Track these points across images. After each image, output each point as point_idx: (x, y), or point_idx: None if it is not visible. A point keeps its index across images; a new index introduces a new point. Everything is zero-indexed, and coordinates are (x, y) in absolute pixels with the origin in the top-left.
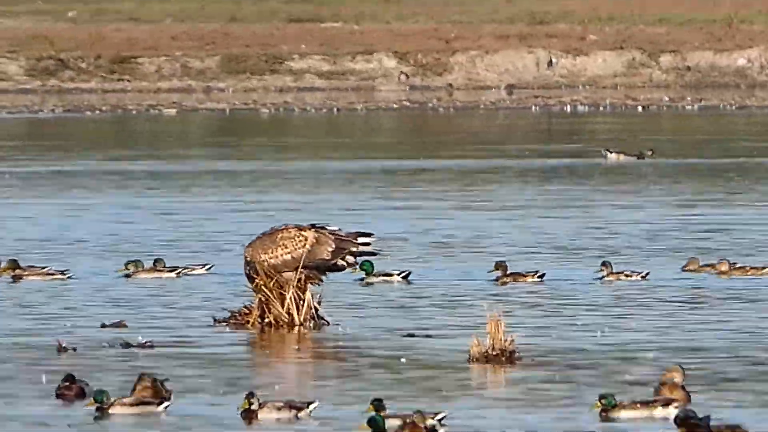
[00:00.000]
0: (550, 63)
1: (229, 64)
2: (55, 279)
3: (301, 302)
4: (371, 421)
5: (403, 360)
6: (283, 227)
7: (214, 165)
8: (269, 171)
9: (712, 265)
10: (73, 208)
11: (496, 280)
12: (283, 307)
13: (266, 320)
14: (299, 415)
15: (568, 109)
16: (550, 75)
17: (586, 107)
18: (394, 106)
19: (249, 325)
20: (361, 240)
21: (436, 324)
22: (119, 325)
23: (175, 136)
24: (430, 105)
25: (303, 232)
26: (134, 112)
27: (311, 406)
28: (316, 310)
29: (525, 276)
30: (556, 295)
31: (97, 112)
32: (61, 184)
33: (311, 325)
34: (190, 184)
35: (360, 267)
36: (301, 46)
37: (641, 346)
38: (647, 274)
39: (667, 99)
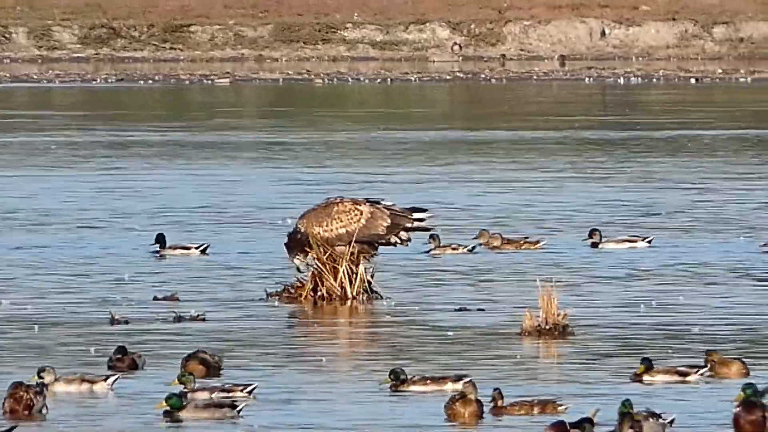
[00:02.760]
0: (603, 33)
1: (282, 32)
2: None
3: (354, 275)
4: (169, 399)
5: (450, 333)
6: (339, 200)
7: (267, 136)
8: (322, 142)
9: None
10: (122, 179)
11: (593, 246)
12: (335, 281)
13: (319, 293)
14: (94, 388)
15: (621, 81)
16: (603, 45)
17: (639, 79)
18: (447, 76)
19: (302, 299)
20: (415, 216)
21: (489, 298)
22: (172, 298)
23: (227, 107)
24: (483, 76)
25: (358, 207)
26: (187, 81)
27: (110, 380)
28: (369, 283)
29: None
30: (611, 266)
31: (150, 81)
32: (113, 153)
33: (364, 298)
34: (242, 155)
35: None
36: (354, 16)
37: (690, 321)
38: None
39: (720, 71)
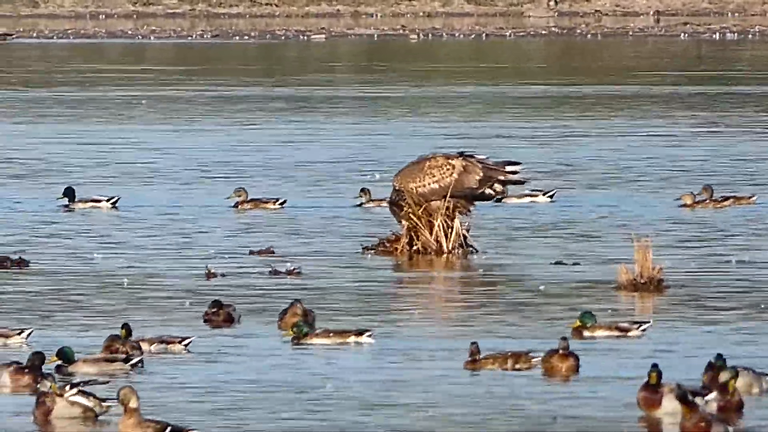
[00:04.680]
0: None
1: None
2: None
3: (450, 230)
4: (59, 353)
5: (541, 287)
6: (431, 156)
7: (362, 91)
8: (417, 97)
9: None
10: (215, 134)
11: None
12: (431, 235)
13: (414, 247)
14: (8, 342)
15: (717, 36)
16: (698, 1)
17: (735, 35)
18: (543, 32)
19: (397, 253)
20: (509, 168)
21: (585, 252)
22: (267, 251)
23: (323, 62)
24: (578, 31)
25: (451, 161)
26: (282, 37)
27: (24, 333)
28: (465, 237)
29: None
30: (705, 222)
31: (246, 37)
32: (210, 108)
33: (459, 252)
34: (336, 110)
35: None
36: None
37: None
38: None
39: None
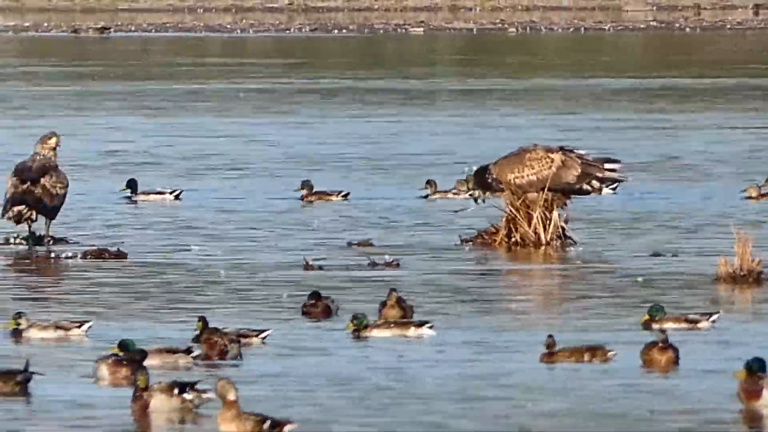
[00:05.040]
0: None
1: None
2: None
3: (548, 221)
4: (121, 344)
5: (639, 279)
6: (532, 147)
7: (461, 84)
8: (516, 90)
9: None
10: (311, 126)
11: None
12: (529, 227)
13: (513, 239)
14: (68, 334)
15: None
16: None
17: None
18: (641, 26)
19: (495, 244)
20: (607, 166)
21: (683, 244)
22: (366, 243)
23: (421, 56)
24: (677, 25)
25: (550, 154)
26: (381, 31)
27: (84, 326)
28: (563, 229)
29: None
30: None
31: (344, 30)
32: (308, 101)
33: (558, 244)
34: (435, 103)
35: None
36: None
37: None
38: None
39: None
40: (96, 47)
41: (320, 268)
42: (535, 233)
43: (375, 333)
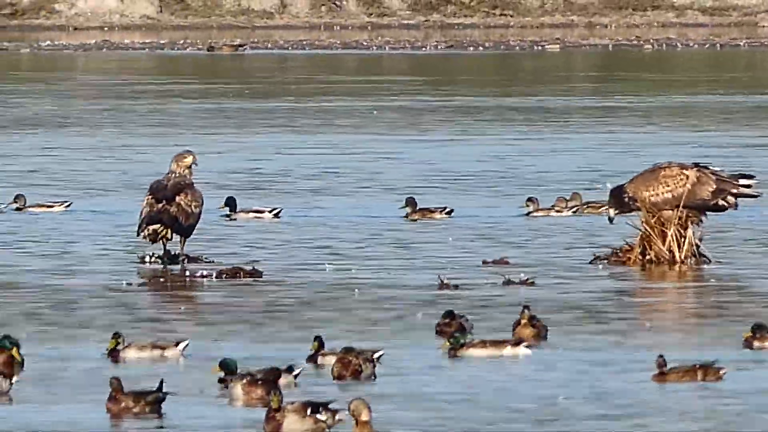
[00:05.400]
0: None
1: None
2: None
3: (683, 239)
4: (222, 364)
5: None
6: (666, 165)
7: (596, 101)
8: (651, 107)
9: None
10: (444, 144)
11: None
12: (664, 244)
13: (647, 257)
14: (165, 354)
15: None
16: None
17: None
18: None
19: (630, 262)
20: (742, 182)
21: None
22: (501, 262)
23: (557, 72)
24: None
25: (685, 171)
26: (517, 48)
27: (180, 345)
28: (698, 247)
29: None
30: None
31: (480, 48)
32: (444, 118)
33: (692, 262)
34: (571, 119)
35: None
36: None
37: None
38: None
39: None
40: (231, 65)
41: (456, 287)
42: (670, 251)
43: (471, 352)
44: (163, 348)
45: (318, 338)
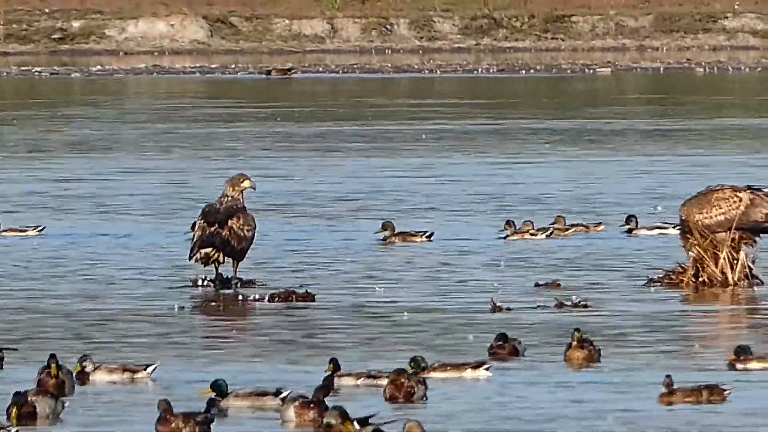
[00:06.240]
0: None
1: (663, 22)
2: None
3: (735, 261)
4: (213, 385)
5: None
6: (719, 187)
7: (649, 124)
8: (704, 130)
9: None
10: (504, 165)
11: None
12: (716, 267)
13: (700, 279)
14: (134, 377)
15: None
16: None
17: None
18: None
19: (683, 285)
20: None
21: None
22: (553, 284)
23: (609, 95)
24: None
25: (738, 194)
26: (568, 71)
27: (149, 369)
28: (750, 269)
29: None
30: None
31: (531, 71)
32: (496, 141)
33: (745, 284)
34: (624, 142)
35: None
36: (735, 5)
37: None
38: None
39: None
40: (282, 88)
41: (508, 309)
42: (722, 273)
43: (433, 375)
44: (133, 371)
45: (333, 360)
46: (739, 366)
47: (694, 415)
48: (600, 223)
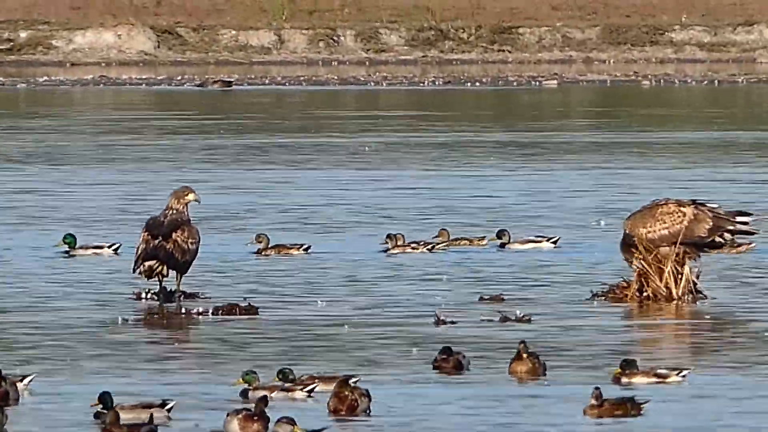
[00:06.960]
0: None
1: (610, 34)
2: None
3: (680, 276)
4: (100, 398)
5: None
6: (664, 201)
7: (594, 136)
8: (649, 143)
9: None
10: (448, 175)
11: None
12: (661, 281)
13: (644, 294)
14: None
15: None
16: None
17: None
18: None
19: (627, 299)
20: (739, 219)
21: None
22: (496, 298)
23: (555, 108)
24: None
25: (682, 208)
26: (515, 83)
27: (26, 380)
28: (695, 284)
29: None
30: None
31: (477, 83)
32: (440, 154)
33: (689, 299)
34: (568, 156)
35: None
36: (682, 18)
37: None
38: None
39: None
40: (228, 100)
41: (452, 323)
42: (667, 288)
43: (263, 392)
44: (12, 383)
45: (250, 372)
46: (624, 380)
47: (619, 426)
48: (484, 237)
